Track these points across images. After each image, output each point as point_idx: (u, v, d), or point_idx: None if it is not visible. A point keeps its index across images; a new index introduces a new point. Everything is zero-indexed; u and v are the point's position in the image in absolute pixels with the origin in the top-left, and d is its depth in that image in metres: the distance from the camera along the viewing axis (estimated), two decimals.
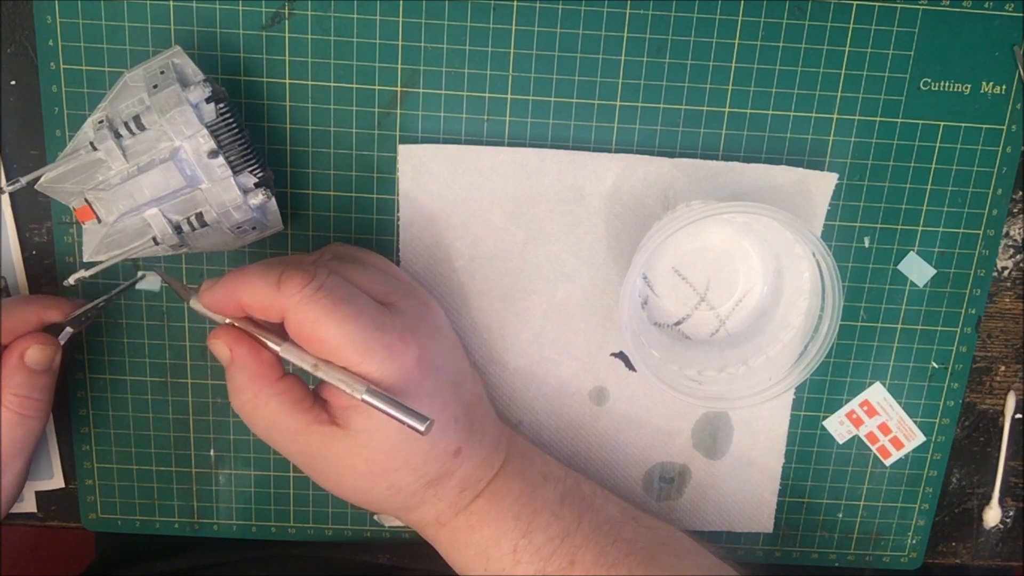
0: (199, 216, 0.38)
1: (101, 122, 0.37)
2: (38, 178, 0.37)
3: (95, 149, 0.36)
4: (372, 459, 0.36)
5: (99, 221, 0.37)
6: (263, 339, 0.36)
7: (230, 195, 0.37)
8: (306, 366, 0.35)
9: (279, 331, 0.36)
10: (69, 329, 0.40)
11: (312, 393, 0.37)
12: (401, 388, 0.35)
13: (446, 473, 0.37)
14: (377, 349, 0.34)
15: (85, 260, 0.38)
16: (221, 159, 0.37)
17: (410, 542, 0.42)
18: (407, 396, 0.35)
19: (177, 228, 0.38)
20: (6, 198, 0.43)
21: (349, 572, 0.48)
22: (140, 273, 0.40)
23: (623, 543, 0.39)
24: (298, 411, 0.36)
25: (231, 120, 0.37)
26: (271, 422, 0.36)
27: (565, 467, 0.42)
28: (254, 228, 0.39)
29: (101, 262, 0.38)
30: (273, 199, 0.39)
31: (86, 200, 0.37)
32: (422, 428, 0.33)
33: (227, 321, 0.37)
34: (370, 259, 0.40)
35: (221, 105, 0.37)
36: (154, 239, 0.38)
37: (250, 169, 0.38)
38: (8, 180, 0.39)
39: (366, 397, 0.33)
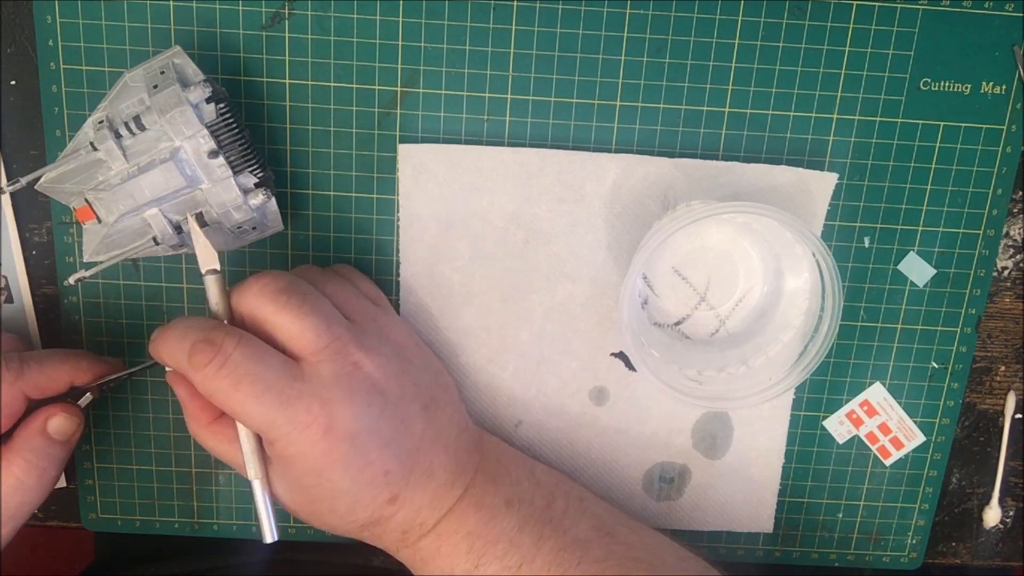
0: (199, 216, 0.38)
1: (101, 122, 0.37)
2: (38, 178, 0.37)
3: (95, 149, 0.36)
4: (299, 500, 0.38)
5: (99, 221, 0.37)
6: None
7: (230, 195, 0.37)
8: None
9: None
10: (90, 396, 0.40)
11: None
12: (310, 456, 0.36)
13: (382, 519, 0.38)
14: (281, 423, 0.35)
15: (85, 260, 0.38)
16: (221, 159, 0.37)
17: None
18: (316, 462, 0.36)
19: (177, 228, 0.38)
20: (6, 198, 0.43)
21: (342, 574, 0.48)
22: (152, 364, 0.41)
23: (589, 563, 0.39)
24: (234, 447, 0.38)
25: (231, 120, 0.37)
26: (215, 452, 0.39)
27: (538, 484, 0.42)
28: (254, 228, 0.39)
29: (101, 262, 0.38)
30: (273, 199, 0.39)
31: (86, 200, 0.37)
32: (265, 540, 0.38)
33: None
34: (340, 270, 0.41)
35: (221, 105, 0.37)
36: (154, 239, 0.38)
37: (250, 169, 0.38)
38: (8, 180, 0.39)
39: (253, 483, 0.37)
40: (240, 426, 0.37)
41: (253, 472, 0.37)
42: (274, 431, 0.35)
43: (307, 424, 0.35)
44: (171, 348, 0.36)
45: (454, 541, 0.39)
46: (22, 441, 0.38)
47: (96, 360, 0.40)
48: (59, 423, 0.38)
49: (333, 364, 0.36)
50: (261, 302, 0.36)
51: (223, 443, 0.38)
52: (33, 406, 0.38)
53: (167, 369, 0.38)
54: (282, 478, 0.37)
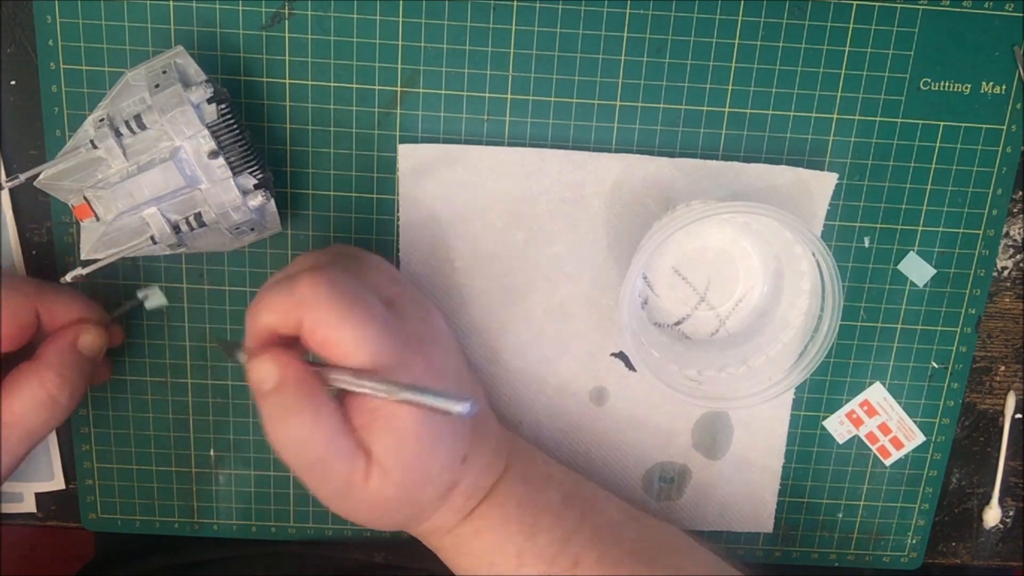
0: (198, 216, 0.38)
1: (102, 120, 0.37)
2: (37, 175, 0.37)
3: (95, 147, 0.36)
4: (399, 481, 0.35)
5: (97, 219, 0.37)
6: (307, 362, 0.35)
7: (229, 196, 0.37)
8: (346, 383, 0.33)
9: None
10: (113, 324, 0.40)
11: None
12: None
13: (455, 481, 0.37)
14: (388, 354, 0.33)
15: (82, 258, 0.38)
16: (221, 160, 0.37)
17: (406, 541, 0.42)
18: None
19: (175, 228, 0.38)
20: (7, 198, 0.43)
21: (344, 570, 0.48)
22: (142, 294, 0.40)
23: (626, 543, 0.39)
24: (345, 432, 0.34)
25: (232, 121, 0.37)
26: (322, 446, 0.34)
27: (566, 468, 0.42)
28: (252, 229, 0.39)
29: (98, 260, 0.38)
30: (272, 201, 0.39)
31: (85, 198, 0.37)
32: (466, 410, 0.32)
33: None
34: (373, 261, 0.39)
35: (222, 106, 0.37)
36: (152, 238, 0.38)
37: (250, 170, 0.38)
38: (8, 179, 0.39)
39: (406, 395, 0.32)
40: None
41: (397, 388, 0.32)
42: (380, 363, 0.33)
43: (410, 359, 0.34)
44: (268, 296, 0.33)
45: (508, 509, 0.39)
46: (54, 356, 0.37)
47: (100, 307, 0.40)
48: (90, 339, 0.38)
49: (416, 306, 0.36)
50: (350, 251, 0.36)
51: (337, 425, 0.34)
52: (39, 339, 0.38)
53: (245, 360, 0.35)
54: (380, 471, 0.34)
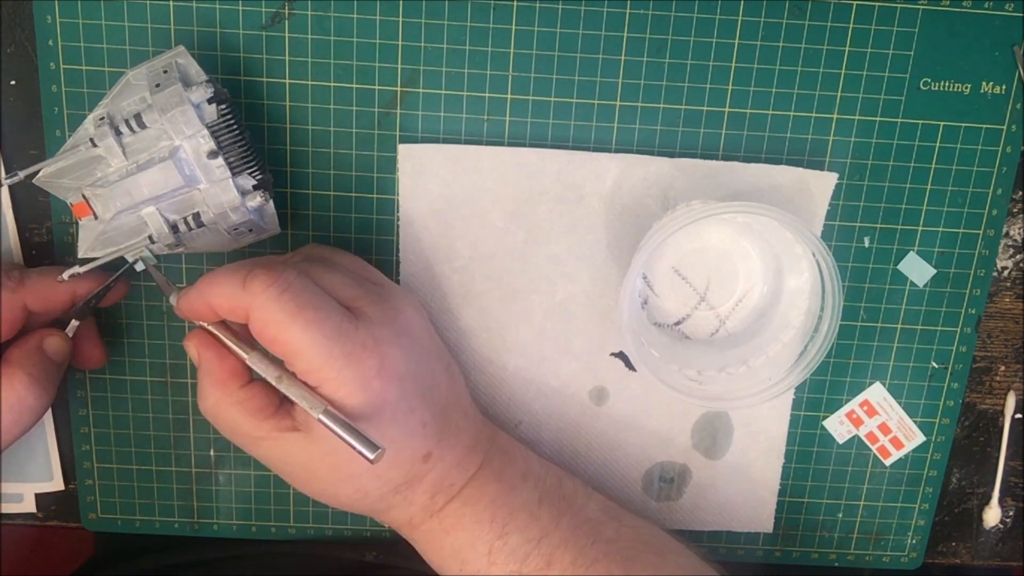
0: (196, 216, 0.38)
1: (102, 119, 0.37)
2: (36, 172, 0.37)
3: (95, 145, 0.36)
4: (335, 465, 0.36)
5: (96, 217, 0.37)
6: (231, 345, 0.37)
7: (228, 196, 0.37)
8: (270, 379, 0.36)
9: (250, 339, 0.36)
10: (75, 322, 0.40)
11: (278, 398, 0.37)
12: (360, 398, 0.35)
13: (415, 478, 0.37)
14: (337, 356, 0.34)
15: (79, 256, 0.38)
16: (221, 160, 0.37)
17: (398, 540, 0.42)
18: (367, 406, 0.35)
19: (174, 227, 0.38)
20: (6, 197, 0.43)
21: (335, 569, 0.48)
22: (135, 260, 0.40)
23: (603, 543, 0.39)
24: (259, 418, 0.36)
25: (232, 121, 0.37)
26: (232, 428, 0.37)
27: (548, 464, 0.42)
28: (250, 230, 0.39)
29: (96, 258, 0.38)
30: (271, 202, 0.39)
31: (84, 196, 0.37)
32: (371, 456, 0.33)
33: (201, 325, 0.37)
34: (343, 260, 0.39)
35: (223, 106, 0.37)
36: (150, 237, 0.38)
37: (249, 171, 0.38)
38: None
39: (322, 417, 0.34)
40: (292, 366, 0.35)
41: (318, 405, 0.34)
42: (328, 367, 0.34)
43: (361, 360, 0.34)
44: (220, 281, 0.35)
45: (479, 508, 0.38)
46: (22, 356, 0.38)
47: (93, 274, 0.40)
48: (55, 343, 0.39)
49: (381, 305, 0.36)
50: (318, 252, 0.37)
51: (246, 412, 0.36)
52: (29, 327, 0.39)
53: (188, 329, 0.37)
54: (314, 447, 0.36)
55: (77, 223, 0.41)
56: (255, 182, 0.38)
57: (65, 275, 0.38)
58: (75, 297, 0.39)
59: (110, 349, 0.45)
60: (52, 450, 0.46)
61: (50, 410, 0.45)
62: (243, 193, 0.38)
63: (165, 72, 0.37)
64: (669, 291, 0.44)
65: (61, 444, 0.46)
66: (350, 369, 0.34)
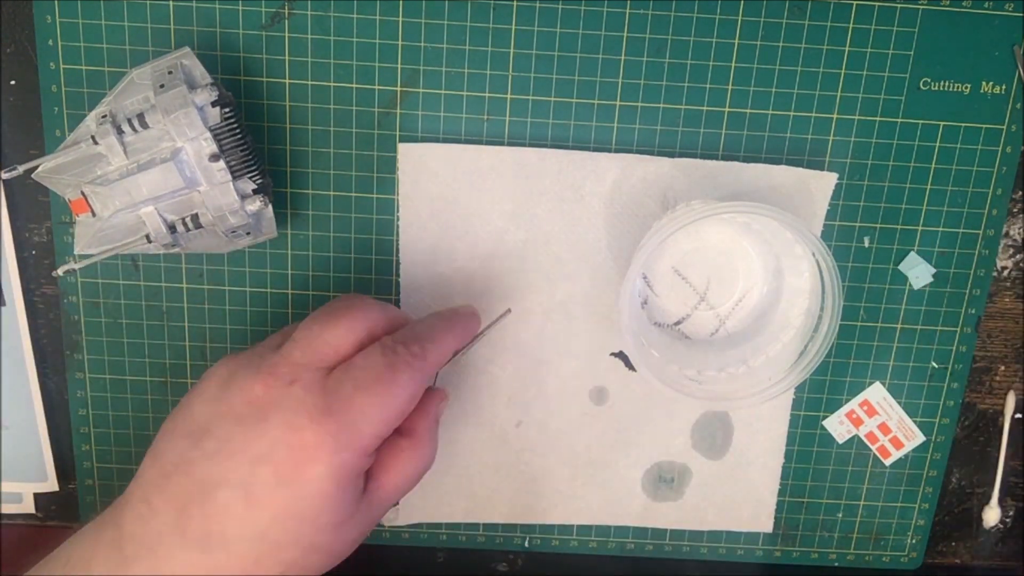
0: (194, 218, 0.38)
1: (104, 116, 0.37)
2: (36, 167, 0.37)
3: (96, 143, 0.36)
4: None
5: (94, 215, 0.38)
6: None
7: (227, 199, 0.37)
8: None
9: None
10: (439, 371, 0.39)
11: None
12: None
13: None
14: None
15: (76, 252, 0.38)
16: (222, 163, 0.37)
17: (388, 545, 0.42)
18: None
19: (171, 228, 0.38)
20: (2, 197, 0.43)
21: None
22: (505, 312, 0.41)
23: None
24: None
25: (235, 125, 0.37)
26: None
27: None
28: (248, 233, 0.39)
29: (92, 256, 0.38)
30: (270, 207, 0.39)
31: (82, 193, 0.37)
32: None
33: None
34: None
35: (227, 110, 0.37)
36: (147, 237, 0.38)
37: (249, 175, 0.38)
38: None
39: None
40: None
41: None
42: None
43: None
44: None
45: None
46: (428, 431, 0.37)
47: (457, 318, 0.39)
48: (444, 408, 0.39)
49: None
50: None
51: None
52: None
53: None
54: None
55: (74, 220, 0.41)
56: (255, 186, 0.38)
57: (60, 270, 0.38)
58: (457, 348, 0.39)
59: (110, 349, 0.45)
60: (46, 451, 0.46)
61: (48, 410, 0.46)
62: (242, 197, 0.38)
63: (170, 73, 0.37)
64: (669, 291, 0.44)
65: (60, 444, 0.46)
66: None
